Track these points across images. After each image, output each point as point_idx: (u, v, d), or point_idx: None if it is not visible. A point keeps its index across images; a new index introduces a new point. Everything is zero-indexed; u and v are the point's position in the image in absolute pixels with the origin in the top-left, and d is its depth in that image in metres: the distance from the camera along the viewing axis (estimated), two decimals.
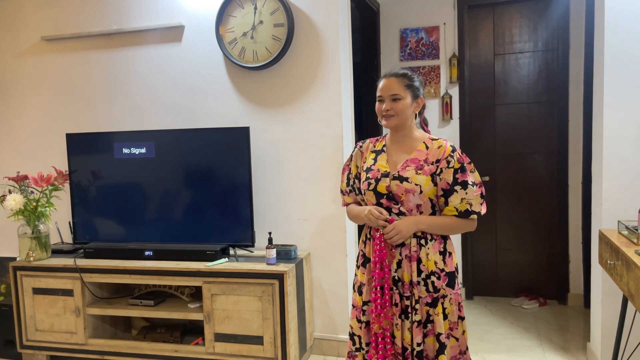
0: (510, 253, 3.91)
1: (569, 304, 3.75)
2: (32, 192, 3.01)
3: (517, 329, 3.37)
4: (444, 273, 1.84)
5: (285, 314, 2.66)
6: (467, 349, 1.91)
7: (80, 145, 3.15)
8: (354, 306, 1.96)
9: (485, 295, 3.98)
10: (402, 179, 1.82)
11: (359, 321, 1.93)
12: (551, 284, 3.82)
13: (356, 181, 2.00)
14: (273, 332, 2.69)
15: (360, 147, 2.02)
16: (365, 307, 1.91)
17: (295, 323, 2.76)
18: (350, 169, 2.03)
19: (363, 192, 1.92)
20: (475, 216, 1.85)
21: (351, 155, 2.04)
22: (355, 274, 1.98)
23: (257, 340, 2.71)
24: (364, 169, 1.95)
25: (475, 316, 3.62)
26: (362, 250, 1.95)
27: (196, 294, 3.00)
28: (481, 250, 3.96)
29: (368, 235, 1.91)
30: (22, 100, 3.49)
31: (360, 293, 1.93)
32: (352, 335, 1.96)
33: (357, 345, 1.94)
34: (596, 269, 2.72)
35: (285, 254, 2.83)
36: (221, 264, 2.80)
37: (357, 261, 1.99)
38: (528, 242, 3.86)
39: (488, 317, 3.59)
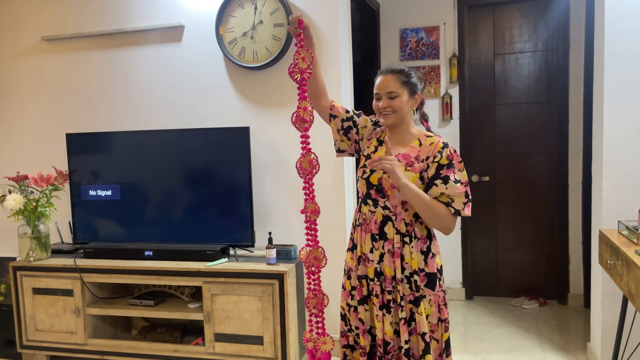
0: (510, 253, 3.91)
1: (569, 304, 3.75)
2: (32, 192, 3.01)
3: (517, 329, 3.37)
4: (424, 273, 1.84)
5: (285, 314, 2.66)
6: (447, 351, 1.89)
7: (80, 145, 3.15)
8: (344, 288, 1.99)
9: (485, 295, 3.98)
10: None
11: (348, 305, 1.96)
12: (551, 284, 3.82)
13: (351, 130, 1.98)
14: (273, 332, 2.69)
15: (375, 129, 1.99)
16: (353, 292, 1.94)
17: (295, 323, 2.76)
18: (359, 121, 2.00)
19: (357, 179, 1.94)
20: (453, 210, 1.77)
21: (371, 122, 2.01)
22: (346, 258, 2.01)
23: (257, 340, 2.71)
24: (365, 153, 1.95)
25: (475, 316, 3.62)
26: (352, 234, 1.98)
27: (196, 294, 3.00)
28: (481, 250, 3.96)
29: (358, 221, 1.93)
30: (22, 100, 3.49)
31: (349, 277, 1.96)
32: (343, 316, 2.00)
33: (348, 327, 1.98)
34: (596, 269, 2.72)
35: (285, 254, 2.83)
36: (221, 264, 2.80)
37: (348, 245, 2.01)
38: (528, 242, 3.86)
39: (488, 317, 3.59)
